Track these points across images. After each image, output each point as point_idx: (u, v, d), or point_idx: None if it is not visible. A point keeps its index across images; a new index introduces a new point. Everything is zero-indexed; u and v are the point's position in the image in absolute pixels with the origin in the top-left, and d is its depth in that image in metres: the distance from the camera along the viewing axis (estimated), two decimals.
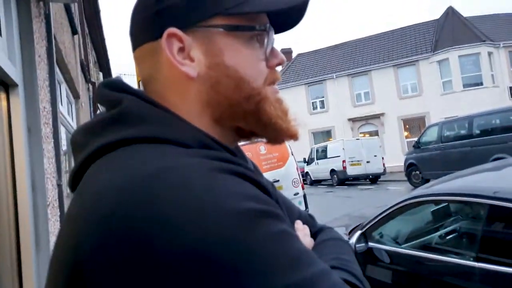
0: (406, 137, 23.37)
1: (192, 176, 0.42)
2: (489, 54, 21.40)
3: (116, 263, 0.38)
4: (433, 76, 22.24)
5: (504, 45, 21.68)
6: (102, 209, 0.41)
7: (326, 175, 18.89)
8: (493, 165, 3.49)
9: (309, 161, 20.51)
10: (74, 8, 6.02)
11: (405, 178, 13.81)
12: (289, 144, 6.32)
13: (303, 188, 7.26)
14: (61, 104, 4.11)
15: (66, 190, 3.45)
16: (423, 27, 25.16)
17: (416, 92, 23.24)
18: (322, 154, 19.27)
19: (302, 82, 26.74)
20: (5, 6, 2.27)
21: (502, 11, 28.91)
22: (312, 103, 26.56)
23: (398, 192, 12.17)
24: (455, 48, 21.31)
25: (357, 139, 19.22)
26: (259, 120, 0.57)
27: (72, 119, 5.51)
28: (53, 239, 2.41)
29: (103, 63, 13.40)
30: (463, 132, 11.14)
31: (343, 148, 17.69)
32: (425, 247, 2.79)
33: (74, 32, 5.42)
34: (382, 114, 23.86)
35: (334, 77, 25.56)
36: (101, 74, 13.22)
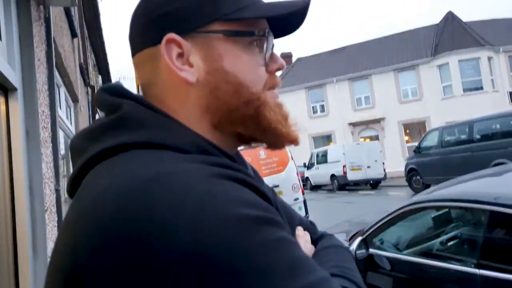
0: (407, 141, 23.39)
1: (190, 181, 0.42)
2: (489, 58, 21.48)
3: (116, 265, 0.38)
4: (433, 80, 22.31)
5: (504, 50, 21.76)
6: (102, 213, 0.41)
7: (327, 180, 18.80)
8: (494, 171, 3.49)
9: (309, 166, 20.42)
10: (74, 11, 6.04)
11: (406, 183, 13.78)
12: (289, 148, 6.31)
13: (303, 193, 7.22)
14: (60, 108, 4.11)
15: (64, 195, 3.43)
16: (423, 31, 25.28)
17: (417, 96, 23.28)
18: (322, 158, 19.20)
19: (302, 86, 26.77)
20: (5, 9, 2.27)
21: (501, 16, 29.07)
22: (312, 107, 26.60)
23: (399, 197, 12.13)
24: (455, 52, 21.39)
25: (357, 143, 19.23)
26: (259, 125, 0.57)
27: (71, 123, 5.51)
28: (50, 244, 2.40)
29: (103, 67, 13.42)
30: (463, 137, 11.12)
31: (343, 153, 17.63)
32: (426, 254, 2.78)
33: (73, 35, 5.44)
34: (383, 119, 23.89)
35: (335, 81, 25.60)
36: (100, 78, 13.25)
